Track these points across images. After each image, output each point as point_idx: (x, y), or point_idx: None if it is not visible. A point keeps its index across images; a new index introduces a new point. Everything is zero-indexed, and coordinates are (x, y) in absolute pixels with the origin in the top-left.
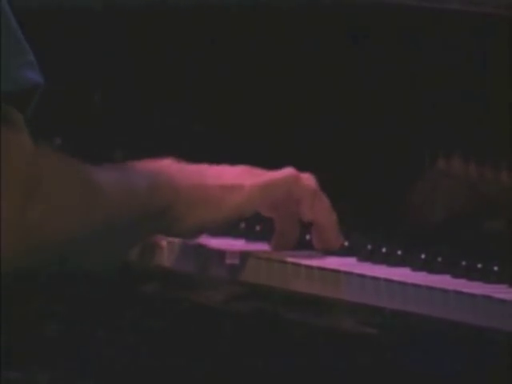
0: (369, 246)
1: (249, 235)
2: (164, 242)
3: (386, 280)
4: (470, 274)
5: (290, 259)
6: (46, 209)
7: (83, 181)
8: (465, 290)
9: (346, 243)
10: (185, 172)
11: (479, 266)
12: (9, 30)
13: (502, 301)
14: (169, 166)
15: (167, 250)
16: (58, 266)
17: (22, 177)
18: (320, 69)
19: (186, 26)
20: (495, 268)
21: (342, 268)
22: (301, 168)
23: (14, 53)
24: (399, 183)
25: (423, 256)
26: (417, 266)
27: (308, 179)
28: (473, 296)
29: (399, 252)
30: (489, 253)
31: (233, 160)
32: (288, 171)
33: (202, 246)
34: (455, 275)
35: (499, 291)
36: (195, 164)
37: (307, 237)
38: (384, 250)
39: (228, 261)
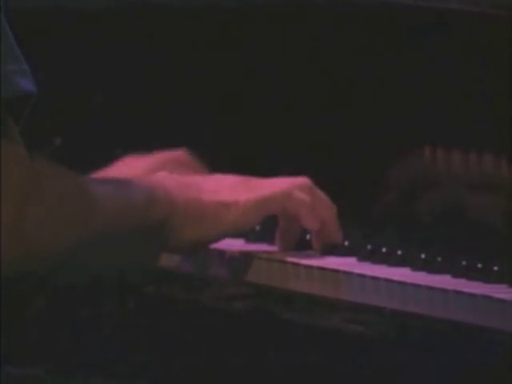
0: (369, 246)
1: (249, 235)
2: None
3: (386, 280)
4: (469, 274)
5: (289, 259)
6: (42, 220)
7: (79, 192)
8: (465, 289)
9: (346, 243)
10: (181, 186)
11: (479, 265)
12: (4, 38)
13: (502, 301)
14: (165, 180)
15: None
16: (55, 276)
17: (19, 188)
18: (320, 68)
19: (187, 26)
20: (495, 268)
21: (342, 268)
22: (301, 168)
23: (7, 60)
24: (399, 183)
25: (423, 256)
26: (417, 266)
27: (301, 190)
28: (473, 296)
29: (399, 252)
30: (489, 253)
31: (233, 160)
32: (280, 187)
33: None
34: (455, 275)
35: (499, 291)
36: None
37: (307, 237)
38: (384, 250)
39: (228, 261)
